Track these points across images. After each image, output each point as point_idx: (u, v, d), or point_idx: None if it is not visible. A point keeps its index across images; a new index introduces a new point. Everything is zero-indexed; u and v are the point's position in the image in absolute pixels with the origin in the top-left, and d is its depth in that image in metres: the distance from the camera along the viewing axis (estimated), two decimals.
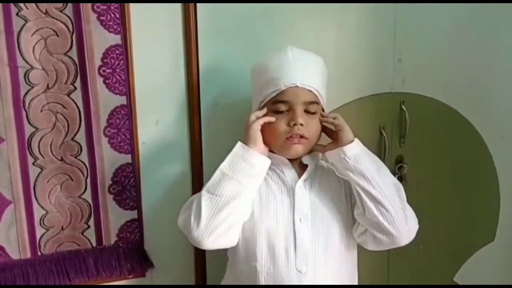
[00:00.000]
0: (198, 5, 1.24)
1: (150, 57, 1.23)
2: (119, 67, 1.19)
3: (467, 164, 1.58)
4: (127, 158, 1.24)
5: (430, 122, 1.51)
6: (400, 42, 1.44)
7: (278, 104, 1.09)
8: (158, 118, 1.26)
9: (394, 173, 1.48)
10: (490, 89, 1.57)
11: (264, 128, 1.08)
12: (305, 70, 1.10)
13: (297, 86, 1.07)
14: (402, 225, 1.05)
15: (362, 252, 1.18)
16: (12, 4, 1.08)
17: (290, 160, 1.14)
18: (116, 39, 1.17)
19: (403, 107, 1.47)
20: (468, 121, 1.55)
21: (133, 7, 1.18)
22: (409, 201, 1.08)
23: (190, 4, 1.23)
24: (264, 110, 1.10)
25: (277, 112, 1.09)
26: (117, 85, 1.20)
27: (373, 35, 1.43)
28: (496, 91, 1.57)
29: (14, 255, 1.18)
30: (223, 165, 1.04)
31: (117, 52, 1.18)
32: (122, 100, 1.21)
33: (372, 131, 1.47)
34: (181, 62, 1.26)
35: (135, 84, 1.22)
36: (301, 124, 1.07)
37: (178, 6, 1.23)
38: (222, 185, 1.03)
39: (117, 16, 1.16)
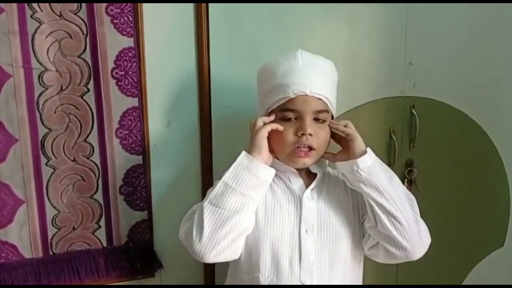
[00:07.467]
0: (210, 5, 1.24)
1: (162, 60, 1.24)
2: (131, 69, 1.20)
3: (477, 168, 1.58)
4: (138, 159, 1.25)
5: (440, 126, 1.51)
6: (412, 45, 1.44)
7: (286, 112, 1.04)
8: (170, 120, 1.27)
9: (403, 177, 1.49)
10: (501, 94, 1.56)
11: (271, 136, 1.04)
12: (316, 77, 1.05)
13: (306, 95, 1.02)
14: (416, 239, 1.01)
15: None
16: (26, 6, 1.10)
17: (297, 168, 1.09)
18: (129, 41, 1.18)
19: (413, 111, 1.46)
20: (479, 125, 1.55)
21: (146, 10, 1.19)
22: (418, 205, 1.06)
23: (202, 4, 1.23)
24: (272, 117, 1.06)
25: (285, 120, 1.04)
26: (129, 87, 1.21)
27: (384, 38, 1.43)
28: (507, 96, 1.56)
29: (26, 253, 1.20)
30: (226, 176, 1.00)
31: (129, 54, 1.19)
32: (134, 102, 1.22)
33: (382, 135, 1.47)
34: (193, 64, 1.27)
35: (147, 86, 1.23)
36: (310, 134, 1.03)
37: (190, 8, 1.24)
38: (225, 198, 0.98)
39: (130, 19, 1.17)
